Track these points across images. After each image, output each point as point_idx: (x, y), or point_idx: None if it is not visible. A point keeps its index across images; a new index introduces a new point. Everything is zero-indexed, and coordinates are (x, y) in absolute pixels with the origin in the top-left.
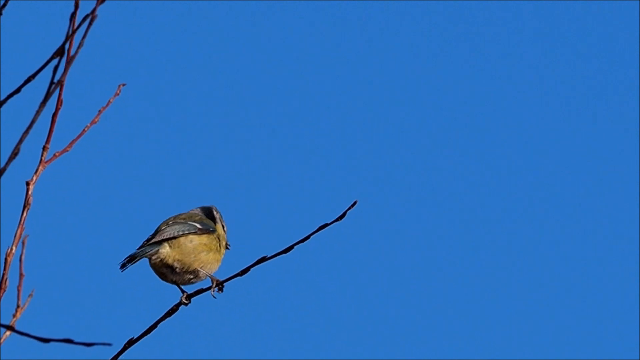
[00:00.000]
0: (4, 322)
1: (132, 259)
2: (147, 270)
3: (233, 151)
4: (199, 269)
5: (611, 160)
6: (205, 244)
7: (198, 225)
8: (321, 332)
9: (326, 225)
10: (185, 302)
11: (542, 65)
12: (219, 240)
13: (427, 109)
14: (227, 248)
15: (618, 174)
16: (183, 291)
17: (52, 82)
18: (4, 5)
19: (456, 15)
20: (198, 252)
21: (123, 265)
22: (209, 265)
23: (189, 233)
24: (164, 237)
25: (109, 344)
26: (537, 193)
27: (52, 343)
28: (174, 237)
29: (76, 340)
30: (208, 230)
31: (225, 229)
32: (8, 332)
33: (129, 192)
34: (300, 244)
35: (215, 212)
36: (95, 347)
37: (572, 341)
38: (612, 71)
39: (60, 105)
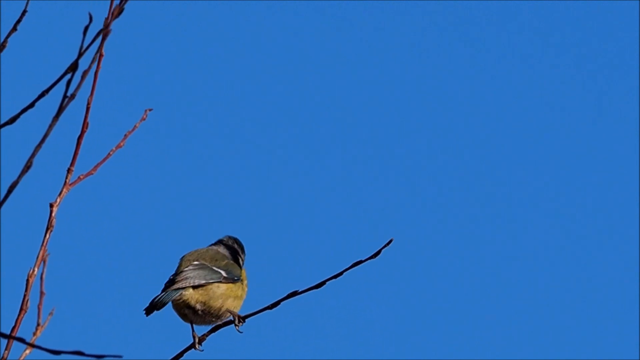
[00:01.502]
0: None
1: (156, 306)
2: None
3: (265, 180)
4: (223, 311)
5: (611, 160)
6: (232, 291)
7: (224, 274)
8: None
9: (360, 262)
10: (198, 348)
11: (542, 65)
12: (243, 285)
13: (426, 109)
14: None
15: (618, 174)
16: (195, 335)
17: (65, 96)
18: (19, 20)
19: (456, 15)
20: (225, 298)
21: (148, 312)
22: (232, 310)
23: (214, 282)
24: (189, 285)
25: (120, 356)
26: (537, 193)
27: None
28: (200, 286)
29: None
30: (233, 280)
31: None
32: (28, 351)
33: (150, 215)
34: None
35: (241, 254)
36: None
37: (572, 341)
38: (612, 71)
39: (86, 128)
